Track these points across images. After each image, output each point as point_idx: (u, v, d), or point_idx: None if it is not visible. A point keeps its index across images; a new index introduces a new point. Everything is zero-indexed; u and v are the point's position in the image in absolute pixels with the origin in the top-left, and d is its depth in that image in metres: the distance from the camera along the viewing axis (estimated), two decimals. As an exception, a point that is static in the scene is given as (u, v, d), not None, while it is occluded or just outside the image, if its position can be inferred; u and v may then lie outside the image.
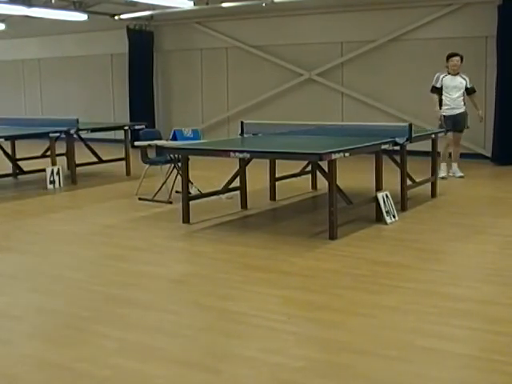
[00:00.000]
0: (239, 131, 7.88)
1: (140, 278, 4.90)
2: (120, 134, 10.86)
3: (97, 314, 4.16)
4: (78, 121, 9.55)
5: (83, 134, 9.78)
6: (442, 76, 9.09)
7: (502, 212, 7.08)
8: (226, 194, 7.56)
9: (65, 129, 9.31)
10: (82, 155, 9.87)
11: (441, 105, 9.09)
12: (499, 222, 6.55)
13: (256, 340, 3.69)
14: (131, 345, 3.64)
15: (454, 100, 9.03)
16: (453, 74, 9.05)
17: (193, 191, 7.48)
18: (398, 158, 7.08)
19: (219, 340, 3.69)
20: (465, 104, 9.13)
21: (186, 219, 6.59)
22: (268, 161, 7.74)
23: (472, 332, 3.74)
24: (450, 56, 9.09)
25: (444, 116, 8.99)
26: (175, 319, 4.03)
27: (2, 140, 8.87)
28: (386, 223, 6.38)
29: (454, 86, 9.03)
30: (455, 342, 3.58)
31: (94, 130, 10.03)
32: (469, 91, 9.16)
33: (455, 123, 9.03)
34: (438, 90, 9.11)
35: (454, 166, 9.35)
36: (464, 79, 9.09)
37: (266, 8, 11.62)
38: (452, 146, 9.23)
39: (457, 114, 9.03)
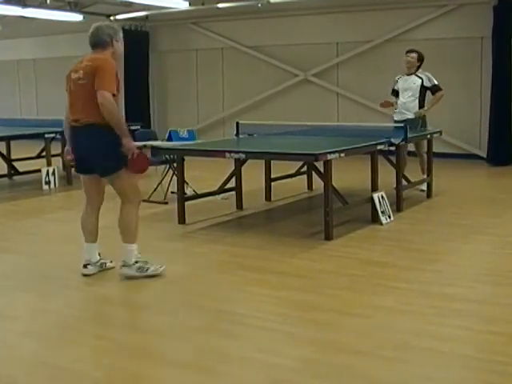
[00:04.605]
0: (235, 132, 7.88)
1: (136, 278, 4.88)
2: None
3: (93, 314, 4.15)
4: (73, 121, 9.54)
5: (79, 135, 9.74)
6: (397, 78, 8.23)
7: (497, 212, 7.09)
8: (222, 195, 7.56)
9: (60, 129, 9.27)
10: (77, 156, 9.82)
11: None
12: (495, 222, 6.56)
13: (252, 341, 3.68)
14: (127, 345, 3.63)
15: (403, 103, 8.02)
16: (407, 74, 8.06)
17: (188, 192, 7.47)
18: (393, 159, 7.09)
19: (215, 341, 3.68)
20: (421, 107, 8.00)
21: (182, 220, 6.58)
22: (263, 161, 7.73)
23: (468, 332, 3.74)
24: (406, 53, 8.14)
25: (394, 121, 8.05)
26: (171, 320, 4.02)
27: (-3, 140, 8.88)
28: (381, 224, 6.38)
29: (406, 88, 8.03)
30: (452, 342, 3.58)
31: (89, 131, 9.98)
32: (432, 90, 8.01)
33: None
34: (397, 94, 8.20)
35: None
36: (420, 78, 7.97)
37: (262, 9, 11.62)
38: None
39: (406, 120, 7.77)
